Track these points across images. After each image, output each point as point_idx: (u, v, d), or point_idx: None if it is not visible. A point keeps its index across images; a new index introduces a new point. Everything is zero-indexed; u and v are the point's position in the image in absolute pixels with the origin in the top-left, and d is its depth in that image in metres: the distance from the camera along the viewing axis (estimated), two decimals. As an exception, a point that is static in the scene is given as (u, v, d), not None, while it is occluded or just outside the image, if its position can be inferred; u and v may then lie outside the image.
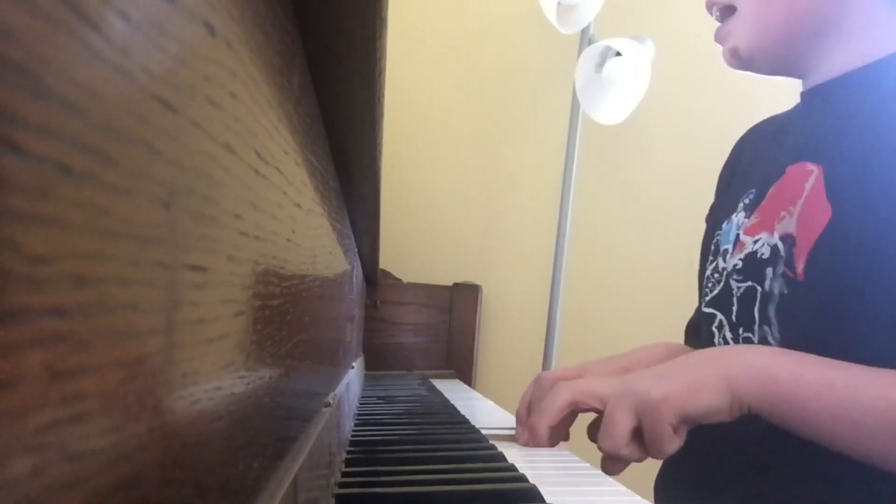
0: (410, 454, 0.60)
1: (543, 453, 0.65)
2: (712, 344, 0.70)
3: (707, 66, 1.50)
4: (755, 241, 0.67)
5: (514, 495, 0.47)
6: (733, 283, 0.69)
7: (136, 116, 0.13)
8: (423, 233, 1.62)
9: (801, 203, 0.62)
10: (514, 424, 0.73)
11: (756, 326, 0.65)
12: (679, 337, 0.86)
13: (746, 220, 0.70)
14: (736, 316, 0.68)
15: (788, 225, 0.63)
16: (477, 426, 0.75)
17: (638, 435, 0.57)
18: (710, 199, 0.84)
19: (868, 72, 0.64)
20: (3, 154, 0.09)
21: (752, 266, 0.66)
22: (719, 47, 0.74)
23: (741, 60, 0.71)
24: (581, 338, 1.53)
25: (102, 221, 0.12)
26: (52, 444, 0.11)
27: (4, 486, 0.09)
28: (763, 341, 0.64)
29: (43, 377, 0.10)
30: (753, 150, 0.79)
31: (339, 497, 0.45)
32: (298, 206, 0.34)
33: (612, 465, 0.59)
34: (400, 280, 1.51)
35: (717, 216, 0.79)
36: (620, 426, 0.56)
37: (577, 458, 0.64)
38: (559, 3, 1.34)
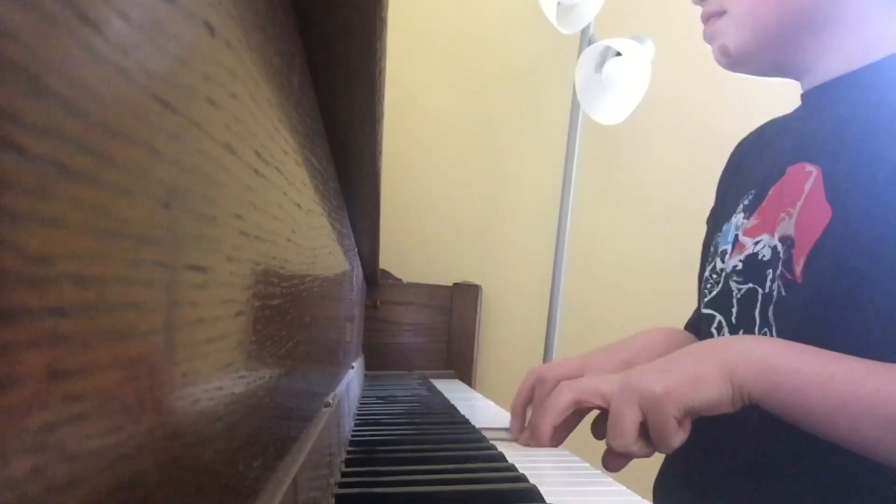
0: (410, 454, 0.60)
1: (544, 453, 0.65)
2: None
3: (707, 66, 1.49)
4: (756, 243, 0.66)
5: (514, 495, 0.47)
6: (733, 285, 0.69)
7: (136, 116, 0.13)
8: (423, 233, 1.62)
9: (801, 204, 0.62)
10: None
11: (756, 328, 0.65)
12: (679, 337, 0.86)
13: (746, 221, 0.70)
14: (736, 317, 0.68)
15: (787, 226, 0.62)
16: (477, 426, 0.75)
17: (643, 430, 0.57)
18: (710, 199, 0.84)
19: (867, 72, 0.64)
20: (3, 154, 0.09)
21: (753, 268, 0.66)
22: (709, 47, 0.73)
23: (731, 59, 0.71)
24: (581, 338, 1.53)
25: (102, 221, 0.12)
26: (52, 444, 0.11)
27: (4, 486, 0.09)
28: None
29: (43, 377, 0.10)
30: (753, 152, 0.79)
31: (339, 497, 0.45)
32: (298, 206, 0.34)
33: (614, 461, 0.59)
34: (400, 280, 1.51)
35: (717, 218, 0.79)
36: (628, 423, 0.56)
37: (577, 457, 0.64)
38: (559, 4, 1.34)
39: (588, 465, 0.61)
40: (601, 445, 0.60)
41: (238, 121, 0.21)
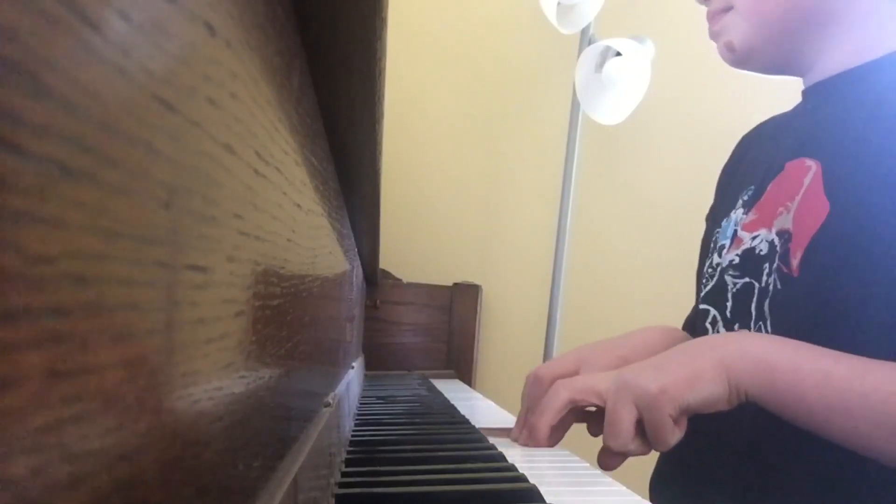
0: (410, 454, 0.60)
1: (543, 453, 0.65)
2: None
3: (707, 66, 1.50)
4: (753, 238, 0.67)
5: (513, 495, 0.47)
6: (728, 279, 0.69)
7: (136, 116, 0.13)
8: (423, 233, 1.62)
9: (799, 199, 0.62)
10: (513, 424, 0.73)
11: (752, 322, 0.65)
12: (679, 337, 0.86)
13: (744, 217, 0.70)
14: (731, 312, 0.68)
15: (785, 220, 0.62)
16: (477, 426, 0.75)
17: (640, 429, 0.57)
18: (710, 198, 0.84)
19: (868, 69, 0.64)
20: (3, 154, 0.09)
21: (750, 262, 0.66)
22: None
23: (736, 55, 0.71)
24: (581, 338, 1.53)
25: (102, 221, 0.12)
26: (52, 444, 0.11)
27: (4, 486, 0.09)
28: None
29: (43, 377, 0.10)
30: (753, 148, 0.79)
31: (339, 497, 0.45)
32: (298, 206, 0.34)
33: (610, 460, 0.59)
34: (400, 280, 1.51)
35: (716, 214, 0.79)
36: (625, 422, 0.56)
37: (576, 457, 0.64)
38: (559, 3, 1.35)
39: (588, 465, 0.61)
40: (601, 446, 0.60)
41: (238, 121, 0.21)
